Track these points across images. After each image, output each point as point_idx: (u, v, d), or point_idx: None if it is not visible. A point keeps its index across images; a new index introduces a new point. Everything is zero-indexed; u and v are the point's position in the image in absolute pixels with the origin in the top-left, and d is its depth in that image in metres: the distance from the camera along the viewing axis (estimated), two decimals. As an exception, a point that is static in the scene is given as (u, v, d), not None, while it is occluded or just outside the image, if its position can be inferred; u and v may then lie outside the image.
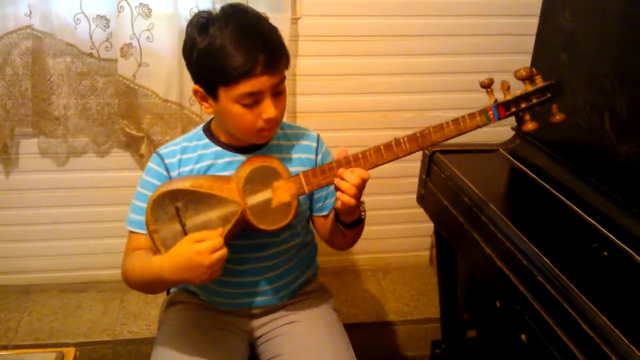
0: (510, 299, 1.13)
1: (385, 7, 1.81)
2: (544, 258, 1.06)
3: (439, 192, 1.49)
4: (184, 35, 1.10)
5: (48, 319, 1.93)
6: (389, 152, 1.06)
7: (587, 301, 0.94)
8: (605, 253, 1.08)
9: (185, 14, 1.66)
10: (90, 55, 1.69)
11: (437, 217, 1.58)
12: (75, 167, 1.89)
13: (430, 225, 2.13)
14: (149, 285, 1.12)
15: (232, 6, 1.08)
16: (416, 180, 1.63)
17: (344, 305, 2.04)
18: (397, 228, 2.19)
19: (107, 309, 1.99)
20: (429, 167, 1.55)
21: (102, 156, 1.89)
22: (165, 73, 1.71)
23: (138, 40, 1.65)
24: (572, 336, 0.95)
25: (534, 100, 1.08)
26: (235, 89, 1.03)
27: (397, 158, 1.07)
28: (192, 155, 1.17)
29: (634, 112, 1.16)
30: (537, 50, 1.49)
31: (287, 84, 1.10)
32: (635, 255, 1.06)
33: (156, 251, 1.07)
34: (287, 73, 1.10)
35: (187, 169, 1.16)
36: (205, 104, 1.11)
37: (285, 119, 1.22)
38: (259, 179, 1.05)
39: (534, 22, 1.49)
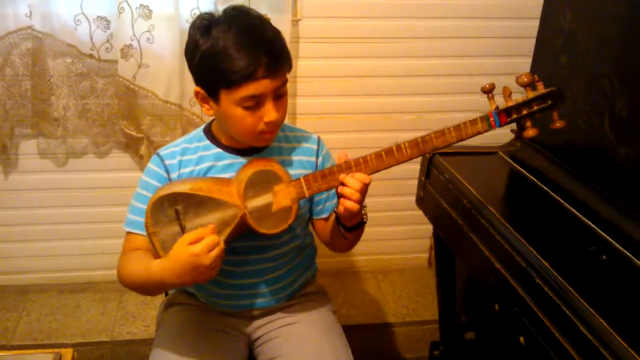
0: (509, 302, 1.13)
1: (386, 9, 1.81)
2: (543, 261, 1.06)
3: (438, 194, 1.49)
4: (184, 37, 1.10)
5: (46, 320, 1.92)
6: (390, 157, 1.06)
7: (585, 304, 0.94)
8: (604, 256, 1.08)
9: (186, 15, 1.66)
10: (91, 56, 1.69)
11: (436, 220, 1.58)
12: (75, 167, 1.89)
13: (429, 228, 2.13)
14: (148, 289, 1.12)
15: (235, 8, 1.08)
16: (415, 182, 1.63)
17: (343, 307, 2.04)
18: (396, 230, 2.19)
19: (106, 309, 1.99)
20: (429, 169, 1.55)
21: (101, 157, 1.89)
22: (166, 74, 1.71)
23: (138, 41, 1.65)
24: (570, 339, 0.95)
25: (535, 107, 1.08)
26: (237, 92, 1.03)
27: (398, 163, 1.07)
28: (193, 156, 1.17)
29: (634, 114, 1.16)
30: (537, 52, 1.50)
31: (288, 85, 1.11)
32: (635, 258, 1.06)
33: (155, 253, 1.06)
34: (287, 75, 1.10)
35: (187, 170, 1.16)
36: (206, 105, 1.11)
37: (285, 121, 1.22)
38: (260, 183, 1.05)
39: (535, 24, 1.49)
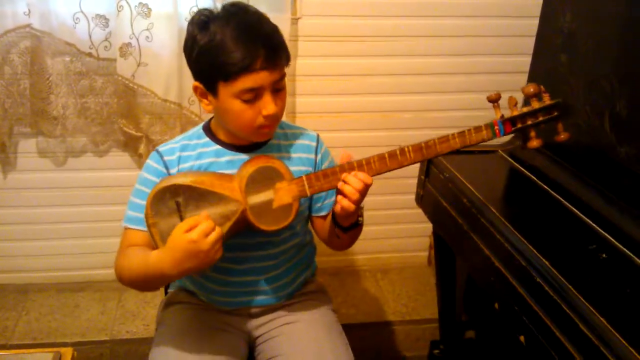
0: (509, 301, 1.12)
1: (385, 7, 1.81)
2: (543, 260, 1.06)
3: (438, 193, 1.49)
4: (183, 35, 1.10)
5: (46, 319, 1.92)
6: (393, 160, 1.07)
7: (585, 303, 0.94)
8: (604, 255, 1.08)
9: (185, 13, 1.66)
10: (89, 54, 1.68)
11: (436, 218, 1.58)
12: (74, 166, 1.89)
13: (428, 226, 2.14)
14: (147, 282, 1.10)
15: (233, 5, 1.08)
16: (415, 180, 1.63)
17: (343, 306, 2.04)
18: (395, 228, 2.19)
19: (105, 308, 1.99)
20: (428, 168, 1.55)
21: (100, 156, 1.89)
22: (165, 73, 1.70)
23: (137, 39, 1.64)
24: (570, 338, 0.95)
25: (541, 118, 1.09)
26: (235, 84, 1.03)
27: (401, 167, 1.08)
28: (192, 153, 1.17)
29: (634, 114, 1.16)
30: (537, 51, 1.49)
31: (287, 84, 1.11)
32: (635, 257, 1.06)
33: (154, 245, 1.06)
34: (286, 73, 1.10)
35: (186, 165, 1.16)
36: (205, 100, 1.12)
37: (284, 119, 1.22)
38: (262, 179, 1.05)
39: (534, 23, 1.49)
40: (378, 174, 1.07)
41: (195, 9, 1.65)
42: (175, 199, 1.03)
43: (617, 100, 1.19)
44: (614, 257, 1.08)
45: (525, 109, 1.09)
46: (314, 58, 1.85)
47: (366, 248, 2.19)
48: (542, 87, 1.09)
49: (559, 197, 1.29)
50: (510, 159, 1.51)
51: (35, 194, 1.91)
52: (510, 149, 1.54)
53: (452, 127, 1.09)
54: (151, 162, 1.18)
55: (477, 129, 1.08)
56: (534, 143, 1.10)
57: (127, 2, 1.60)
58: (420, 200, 1.62)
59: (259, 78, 1.03)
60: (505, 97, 1.08)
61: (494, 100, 1.08)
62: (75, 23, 1.63)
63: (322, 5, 1.78)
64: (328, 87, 1.90)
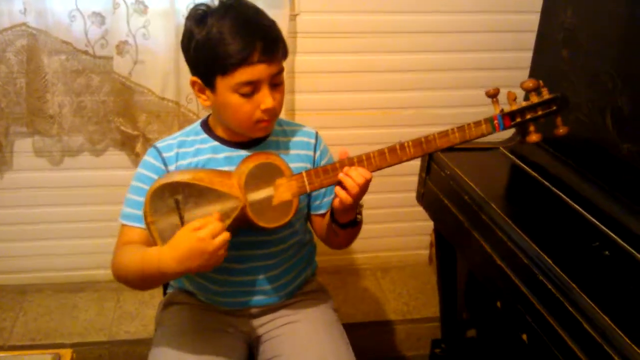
0: (511, 299, 1.12)
1: (384, 3, 1.80)
2: (545, 257, 1.06)
3: (439, 190, 1.48)
4: (180, 32, 1.10)
5: (44, 319, 1.91)
6: (393, 155, 1.06)
7: (589, 301, 0.94)
8: (607, 252, 1.08)
9: (182, 10, 1.64)
10: (86, 52, 1.67)
11: (437, 216, 1.57)
12: (71, 166, 1.88)
13: (429, 224, 2.12)
14: (145, 280, 1.08)
15: None
16: (415, 178, 1.63)
17: (343, 305, 2.03)
18: (396, 226, 2.18)
19: (103, 309, 1.98)
20: (429, 165, 1.54)
21: (97, 155, 1.88)
22: (162, 71, 1.69)
23: (134, 37, 1.63)
24: (573, 336, 0.94)
25: (540, 112, 1.09)
26: (232, 78, 1.03)
27: (401, 162, 1.07)
28: (190, 149, 1.17)
29: (636, 110, 1.15)
30: (538, 47, 1.49)
31: (286, 81, 1.10)
32: (637, 254, 1.05)
33: (152, 244, 1.05)
34: (285, 70, 1.10)
35: (184, 162, 1.16)
36: (203, 96, 1.11)
37: (284, 117, 1.20)
38: (261, 176, 1.05)
39: (535, 18, 1.48)
40: (378, 169, 1.06)
41: (192, 6, 1.63)
42: (174, 196, 1.02)
43: (619, 97, 1.19)
44: (617, 254, 1.07)
45: (524, 103, 1.09)
46: (313, 55, 1.84)
47: (366, 246, 2.18)
48: (540, 81, 1.09)
49: (561, 194, 1.29)
50: (511, 156, 1.50)
51: (31, 194, 1.90)
52: (512, 145, 1.54)
53: (453, 124, 1.09)
54: (149, 158, 1.17)
55: (477, 123, 1.08)
56: (533, 137, 1.10)
57: (124, 0, 1.58)
58: (421, 198, 1.61)
59: (257, 71, 1.03)
60: (505, 92, 1.08)
61: (493, 95, 1.08)
62: (71, 21, 1.62)
63: (321, 1, 1.77)
64: (327, 84, 1.89)
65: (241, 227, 1.08)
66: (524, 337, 1.08)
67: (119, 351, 1.86)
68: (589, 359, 0.90)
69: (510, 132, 1.57)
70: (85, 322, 1.92)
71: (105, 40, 1.66)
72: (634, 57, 1.18)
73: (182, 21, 1.08)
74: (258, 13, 1.08)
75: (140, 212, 1.07)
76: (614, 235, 1.11)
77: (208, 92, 1.09)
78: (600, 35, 1.27)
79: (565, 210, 1.24)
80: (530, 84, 1.08)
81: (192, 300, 1.28)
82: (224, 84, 1.04)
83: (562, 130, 1.10)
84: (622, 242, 1.09)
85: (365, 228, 1.18)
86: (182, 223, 1.02)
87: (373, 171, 1.05)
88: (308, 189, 1.06)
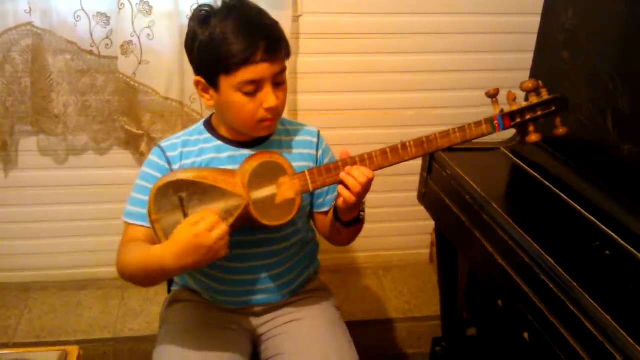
0: (513, 298, 1.13)
1: (386, 5, 1.81)
2: (547, 257, 1.06)
3: (440, 190, 1.49)
4: (184, 33, 1.11)
5: (48, 317, 1.93)
6: (395, 155, 1.07)
7: (590, 300, 0.94)
8: (607, 252, 1.08)
9: (186, 11, 1.65)
10: (90, 52, 1.68)
11: (439, 215, 1.58)
12: (75, 165, 1.89)
13: (430, 223, 2.13)
14: (147, 276, 1.08)
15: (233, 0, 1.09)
16: (416, 177, 1.63)
17: (345, 303, 2.04)
18: (397, 226, 2.19)
19: (108, 306, 1.99)
20: (430, 165, 1.54)
21: (101, 154, 1.89)
22: (166, 71, 1.70)
23: (138, 37, 1.64)
24: (575, 335, 0.95)
25: (539, 112, 1.10)
26: (236, 77, 1.04)
27: (403, 161, 1.08)
28: (194, 148, 1.18)
29: (637, 111, 1.16)
30: (539, 48, 1.49)
31: (288, 82, 1.11)
32: (638, 254, 1.06)
33: (157, 241, 1.06)
34: (288, 71, 1.11)
35: (188, 161, 1.17)
36: (206, 95, 1.12)
37: (286, 117, 1.21)
38: (264, 175, 1.06)
39: (536, 20, 1.48)
40: (380, 168, 1.07)
41: (196, 6, 1.64)
42: (178, 194, 1.03)
43: (620, 98, 1.19)
44: (617, 254, 1.08)
45: (524, 104, 1.10)
46: (315, 55, 1.84)
47: (368, 245, 2.19)
48: (540, 82, 1.10)
49: (561, 195, 1.29)
50: (512, 156, 1.50)
51: (36, 192, 1.91)
52: (513, 145, 1.54)
53: (454, 125, 1.10)
54: (153, 157, 1.18)
55: (477, 123, 1.09)
56: (533, 137, 1.11)
57: (129, 0, 1.60)
58: (423, 197, 1.62)
59: (260, 70, 1.04)
60: (505, 93, 1.09)
61: (493, 95, 1.09)
62: (77, 21, 1.62)
63: (323, 2, 1.78)
64: (329, 85, 1.90)
65: (244, 225, 1.08)
66: (526, 335, 1.09)
67: (124, 348, 1.87)
68: (591, 357, 0.91)
69: (511, 132, 1.57)
70: (90, 319, 1.93)
71: (110, 40, 1.67)
72: (635, 58, 1.18)
73: (186, 22, 1.09)
74: (260, 13, 1.09)
75: (144, 211, 1.08)
76: (614, 235, 1.12)
77: (212, 92, 1.10)
78: (600, 36, 1.27)
79: (566, 210, 1.24)
80: (530, 84, 1.09)
81: (196, 298, 1.29)
82: (227, 83, 1.05)
83: (561, 131, 1.11)
84: (622, 242, 1.09)
85: (366, 227, 1.19)
86: None
87: (375, 170, 1.06)
88: (311, 187, 1.07)
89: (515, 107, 1.10)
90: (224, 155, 1.17)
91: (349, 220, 1.14)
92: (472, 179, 1.38)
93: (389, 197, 2.10)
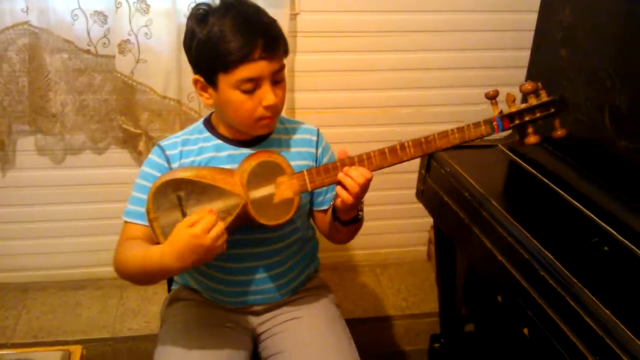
0: (513, 294, 1.13)
1: (384, 2, 1.81)
2: (546, 252, 1.07)
3: (439, 187, 1.50)
4: (182, 32, 1.11)
5: (46, 317, 1.92)
6: (393, 155, 1.08)
7: (590, 295, 0.95)
8: (606, 248, 1.09)
9: (184, 9, 1.65)
10: (88, 51, 1.68)
11: (437, 213, 1.58)
12: (73, 164, 1.88)
13: (427, 221, 2.15)
14: (146, 275, 1.09)
15: None
16: (414, 175, 1.64)
17: (343, 301, 2.04)
18: (395, 224, 2.19)
19: (106, 306, 1.99)
20: (429, 162, 1.55)
21: (99, 153, 1.89)
22: (164, 69, 1.70)
23: (136, 36, 1.64)
24: (575, 329, 0.96)
25: (538, 114, 1.11)
26: (234, 74, 1.04)
27: (401, 162, 1.09)
28: (194, 147, 1.18)
29: (634, 108, 1.17)
30: (536, 45, 1.50)
31: (286, 80, 1.11)
32: (637, 249, 1.06)
33: (155, 240, 1.06)
34: (285, 69, 1.11)
35: (188, 160, 1.17)
36: (205, 94, 1.12)
37: (284, 115, 1.22)
38: (263, 174, 1.06)
39: (533, 18, 1.49)
40: (379, 168, 1.08)
41: (194, 5, 1.64)
42: (176, 193, 1.03)
43: (617, 95, 1.20)
44: (616, 249, 1.09)
45: (523, 106, 1.11)
46: (313, 54, 1.85)
47: (365, 243, 2.20)
48: (539, 84, 1.10)
49: (560, 191, 1.30)
50: (510, 153, 1.51)
51: (34, 192, 1.91)
52: (510, 143, 1.55)
53: (452, 122, 1.10)
54: (153, 156, 1.18)
55: (476, 124, 1.09)
56: (532, 139, 1.12)
57: (126, -1, 1.60)
58: (421, 195, 1.62)
59: (258, 68, 1.04)
60: (503, 91, 1.09)
61: (492, 97, 1.10)
62: (74, 20, 1.62)
63: (321, 1, 1.78)
64: (327, 83, 1.90)
65: (243, 224, 1.09)
66: (525, 331, 1.10)
67: (123, 348, 1.87)
68: (590, 351, 0.92)
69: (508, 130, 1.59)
70: (89, 319, 1.92)
71: (108, 39, 1.66)
72: (632, 55, 1.19)
73: (184, 21, 1.09)
74: (258, 11, 1.09)
75: (142, 209, 1.08)
76: (612, 231, 1.12)
77: (210, 90, 1.10)
78: (598, 34, 1.28)
79: (564, 207, 1.25)
80: (529, 86, 1.10)
81: (196, 297, 1.29)
82: (225, 81, 1.05)
83: (560, 133, 1.12)
84: (620, 238, 1.10)
85: (364, 225, 1.20)
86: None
87: (374, 170, 1.07)
88: (309, 187, 1.07)
89: (514, 109, 1.10)
90: (224, 154, 1.17)
91: (348, 220, 1.14)
92: (470, 176, 1.39)
93: (387, 195, 2.10)
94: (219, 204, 1.04)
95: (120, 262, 1.11)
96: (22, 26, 1.62)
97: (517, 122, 1.11)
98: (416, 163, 1.60)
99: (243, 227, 1.10)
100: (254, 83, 1.06)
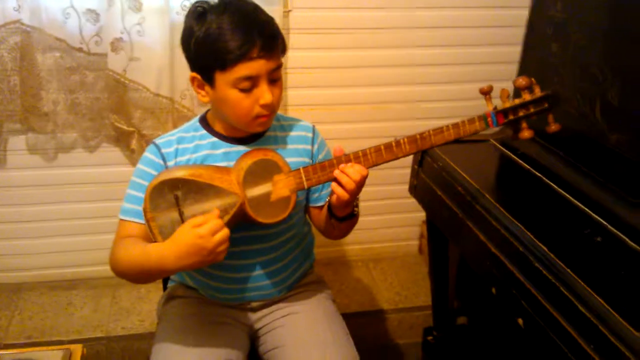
0: (507, 286, 1.15)
1: (375, 0, 1.82)
2: (540, 244, 1.09)
3: (432, 182, 1.51)
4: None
5: (39, 317, 1.91)
6: (389, 152, 1.08)
7: (583, 284, 0.97)
8: (598, 238, 1.11)
9: (176, 7, 1.65)
10: (80, 49, 1.67)
11: (430, 207, 1.59)
12: (65, 163, 1.87)
13: (419, 215, 2.17)
14: (144, 274, 1.09)
15: None
16: (406, 170, 1.65)
17: (337, 296, 2.06)
18: (387, 218, 2.21)
19: (99, 305, 1.99)
20: (422, 158, 1.56)
21: (91, 151, 1.88)
22: (156, 67, 1.70)
23: (129, 34, 1.64)
24: (569, 319, 0.97)
25: (532, 110, 1.12)
26: (232, 73, 1.04)
27: (396, 158, 1.10)
28: (189, 145, 1.18)
29: (625, 101, 1.18)
30: (527, 41, 1.51)
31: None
32: (628, 240, 1.09)
33: (152, 239, 1.06)
34: (281, 59, 1.11)
35: (184, 158, 1.17)
36: (202, 92, 1.12)
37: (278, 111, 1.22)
38: (260, 172, 1.06)
39: (524, 13, 1.50)
40: (374, 165, 1.08)
41: (186, 3, 1.64)
42: (173, 192, 1.04)
43: (608, 88, 1.22)
44: (608, 240, 1.11)
45: (517, 101, 1.12)
46: (306, 51, 1.85)
47: (358, 238, 2.21)
48: (533, 79, 1.12)
49: (552, 184, 1.31)
50: (502, 148, 1.53)
51: (25, 192, 1.90)
52: (502, 137, 1.57)
53: (444, 118, 1.12)
54: (149, 154, 1.18)
55: (471, 120, 1.10)
56: (526, 134, 1.13)
57: (118, -4, 1.59)
58: (414, 189, 1.63)
59: (256, 66, 1.04)
60: (496, 86, 1.10)
61: (486, 92, 1.11)
62: (66, 18, 1.61)
63: (313, -2, 1.79)
64: (319, 80, 1.91)
65: (240, 222, 1.09)
66: (520, 321, 1.11)
67: (117, 347, 1.87)
68: (585, 339, 0.93)
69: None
70: (82, 319, 1.92)
71: (100, 37, 1.65)
72: (623, 49, 1.20)
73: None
74: (257, 9, 1.09)
75: (139, 208, 1.09)
76: (604, 222, 1.14)
77: (207, 88, 1.10)
78: (589, 28, 1.29)
79: (557, 199, 1.27)
80: (523, 82, 1.11)
81: (193, 294, 1.30)
82: (223, 79, 1.06)
83: (554, 127, 1.13)
84: (612, 229, 1.12)
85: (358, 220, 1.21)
86: (182, 219, 1.04)
87: (369, 167, 1.08)
88: (305, 185, 1.08)
89: (508, 104, 1.11)
90: (220, 151, 1.17)
91: (344, 216, 1.15)
92: (463, 170, 1.40)
93: (379, 190, 2.12)
94: (216, 203, 1.04)
95: (117, 260, 1.11)
96: (13, 25, 1.61)
97: (511, 117, 1.12)
98: (408, 158, 1.62)
99: (240, 225, 1.11)
100: (252, 81, 1.06)
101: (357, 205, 1.15)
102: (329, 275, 2.16)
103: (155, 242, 1.05)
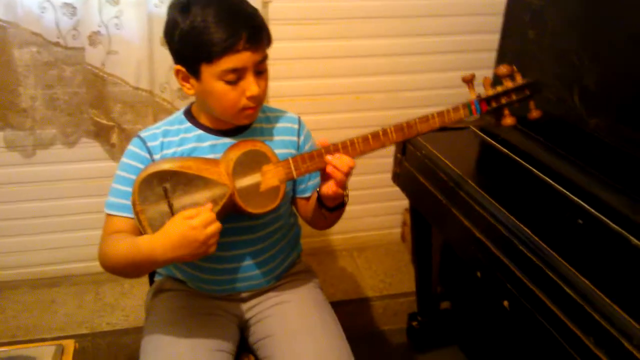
0: (492, 269, 1.17)
1: (355, -11, 1.83)
2: (524, 227, 1.11)
3: (415, 170, 1.53)
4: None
5: (23, 316, 1.89)
6: (376, 141, 1.10)
7: (567, 265, 1.00)
8: (580, 221, 1.14)
9: (154, 0, 1.63)
10: (57, 44, 1.63)
11: (414, 195, 1.62)
12: (44, 159, 1.84)
13: (401, 203, 2.19)
14: (134, 267, 1.08)
15: None
16: (387, 159, 1.66)
17: (322, 285, 2.05)
18: (370, 207, 2.23)
19: (83, 302, 1.97)
20: (404, 146, 1.58)
21: (70, 147, 1.85)
22: (135, 60, 1.67)
23: (106, 27, 1.61)
24: (554, 299, 1.00)
25: (514, 97, 1.15)
26: (218, 65, 1.04)
27: (383, 147, 1.11)
28: (175, 138, 1.17)
29: (602, 86, 1.21)
30: (505, 28, 1.54)
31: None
32: (609, 221, 1.12)
33: (141, 232, 1.06)
34: (267, 51, 1.11)
35: (169, 151, 1.16)
36: (187, 84, 1.11)
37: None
38: (248, 163, 1.07)
39: (502, 1, 1.53)
40: (362, 154, 1.10)
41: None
42: (162, 185, 1.03)
43: (586, 74, 1.25)
44: (589, 222, 1.14)
45: (499, 89, 1.14)
46: (286, 41, 1.84)
47: (342, 228, 2.21)
48: (514, 67, 1.14)
49: (532, 169, 1.34)
50: (482, 134, 1.55)
51: (3, 190, 1.86)
52: (482, 124, 1.59)
53: (425, 106, 1.13)
54: (133, 147, 1.17)
55: (455, 108, 1.13)
56: (508, 120, 1.16)
57: (95, -11, 1.57)
58: (397, 178, 1.65)
59: (242, 58, 1.04)
60: (477, 74, 1.13)
61: (469, 80, 1.13)
62: (42, 12, 1.58)
63: (292, -12, 1.78)
64: (300, 70, 1.91)
65: (229, 213, 1.10)
66: (506, 304, 1.14)
67: (102, 343, 1.86)
68: (570, 319, 0.96)
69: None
70: (65, 316, 1.90)
71: (77, 31, 1.62)
72: (600, 36, 1.23)
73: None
74: (242, 1, 1.08)
75: (125, 202, 1.08)
76: (585, 205, 1.18)
77: (192, 81, 1.10)
78: (566, 15, 1.31)
79: (538, 183, 1.30)
80: (505, 70, 1.13)
81: (181, 287, 1.29)
82: (209, 71, 1.05)
83: (535, 114, 1.16)
84: (593, 211, 1.15)
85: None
86: (172, 211, 1.04)
87: (357, 156, 1.09)
88: (295, 174, 1.09)
89: (491, 92, 1.14)
90: (206, 144, 1.17)
91: (334, 206, 1.16)
92: (446, 157, 1.42)
93: (362, 180, 2.13)
94: (205, 194, 1.04)
95: (106, 255, 1.10)
96: (-13, 20, 1.57)
97: (494, 105, 1.15)
98: (390, 147, 1.64)
99: (230, 216, 1.11)
100: (238, 74, 1.06)
101: (347, 195, 1.16)
102: (314, 265, 2.15)
103: (145, 234, 1.05)
